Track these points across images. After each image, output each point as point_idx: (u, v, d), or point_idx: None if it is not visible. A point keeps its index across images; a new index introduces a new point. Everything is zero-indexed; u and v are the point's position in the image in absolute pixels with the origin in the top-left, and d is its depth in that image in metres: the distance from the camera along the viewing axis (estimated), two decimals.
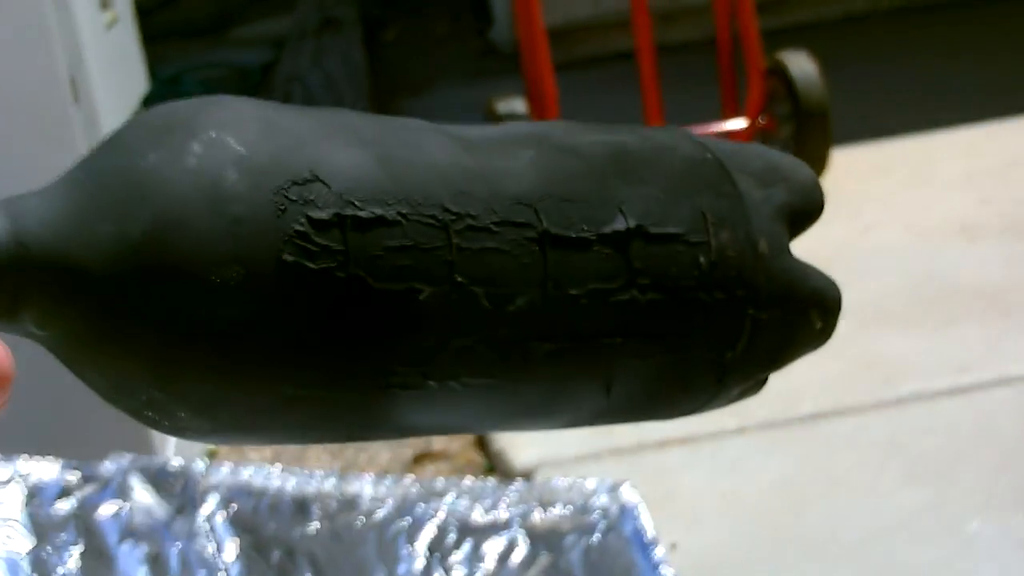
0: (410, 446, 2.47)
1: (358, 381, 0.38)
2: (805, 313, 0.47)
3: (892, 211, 3.24)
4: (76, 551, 0.94)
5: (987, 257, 2.90)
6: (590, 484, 1.30)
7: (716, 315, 0.44)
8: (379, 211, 0.37)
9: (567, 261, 0.40)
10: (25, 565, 0.89)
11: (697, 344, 0.44)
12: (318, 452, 2.59)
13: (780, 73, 3.41)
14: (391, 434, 0.43)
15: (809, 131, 3.37)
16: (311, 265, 0.36)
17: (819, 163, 3.37)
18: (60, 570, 0.93)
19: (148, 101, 2.33)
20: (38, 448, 0.96)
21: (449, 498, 1.18)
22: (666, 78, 3.40)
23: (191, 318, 0.35)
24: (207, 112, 0.37)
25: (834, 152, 3.41)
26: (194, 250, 0.35)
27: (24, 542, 0.90)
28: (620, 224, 0.41)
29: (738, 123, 3.40)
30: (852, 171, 3.46)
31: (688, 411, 0.48)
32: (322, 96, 3.91)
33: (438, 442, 2.44)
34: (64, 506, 0.95)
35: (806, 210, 0.48)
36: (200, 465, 1.03)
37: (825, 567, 1.89)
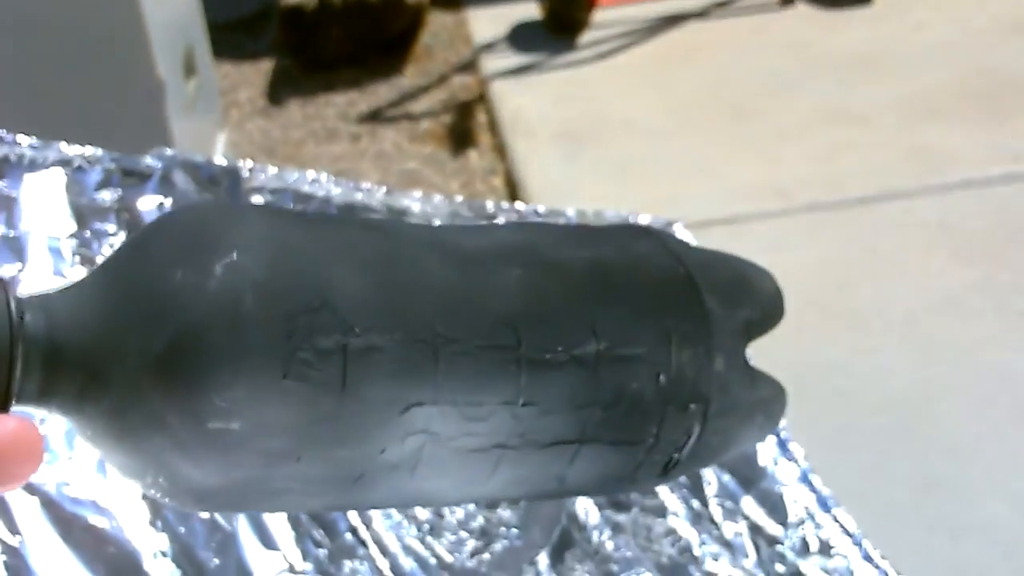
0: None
1: (336, 477, 0.42)
2: (751, 419, 0.50)
3: (944, 11, 3.13)
4: (117, 241, 0.90)
5: None
6: (644, 219, 1.26)
7: (669, 424, 0.46)
8: (377, 339, 0.39)
9: (540, 380, 0.43)
10: (67, 247, 0.86)
11: (648, 448, 0.47)
12: (368, 169, 2.57)
13: None
14: (356, 508, 0.51)
15: None
16: (310, 386, 0.38)
17: None
18: (100, 259, 0.89)
19: None
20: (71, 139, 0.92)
21: (499, 221, 1.14)
22: None
23: (198, 427, 0.38)
24: (230, 231, 0.39)
25: None
26: (209, 369, 0.37)
27: (66, 225, 0.87)
28: (591, 346, 0.44)
29: None
30: None
31: (630, 492, 0.53)
32: None
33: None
34: (106, 196, 0.91)
35: (765, 322, 0.50)
36: (246, 165, 0.99)
37: (872, 339, 1.86)
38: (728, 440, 0.50)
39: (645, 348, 0.45)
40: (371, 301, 0.40)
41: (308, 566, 0.74)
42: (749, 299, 0.50)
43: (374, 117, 3.06)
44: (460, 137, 2.88)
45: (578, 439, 0.45)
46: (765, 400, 0.51)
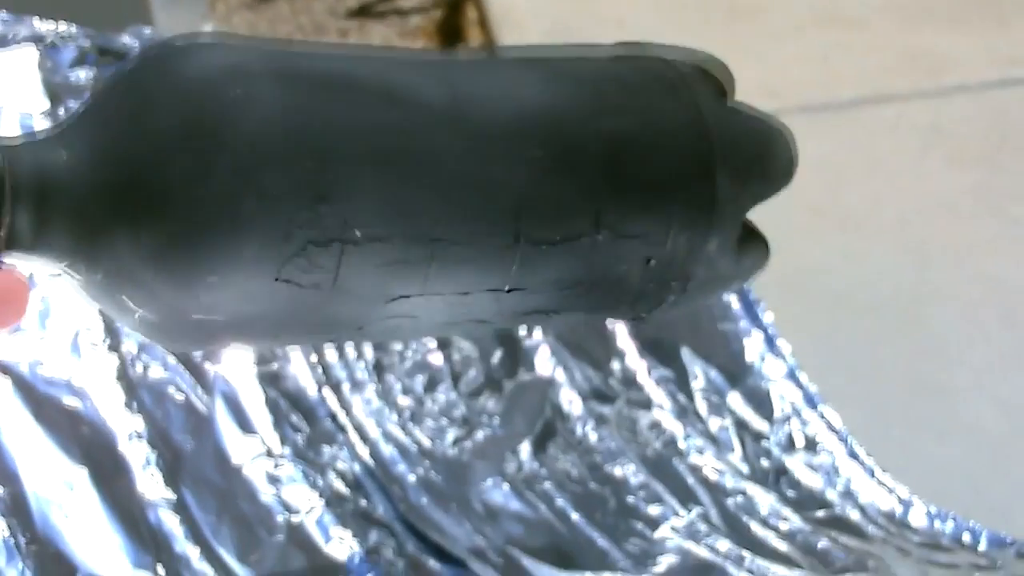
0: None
1: (310, 342, 0.46)
2: (728, 285, 0.51)
3: None
4: None
5: None
6: None
7: (645, 296, 0.47)
8: (377, 233, 0.39)
9: (531, 267, 0.42)
10: (39, 125, 0.83)
11: (621, 312, 0.48)
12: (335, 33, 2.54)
13: None
14: None
15: None
16: (302, 282, 0.38)
17: None
18: None
19: None
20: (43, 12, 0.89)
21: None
22: None
23: (186, 314, 0.38)
24: (236, 117, 0.37)
25: None
26: (200, 270, 0.37)
27: (39, 103, 0.84)
28: (591, 234, 0.43)
29: None
30: None
31: None
32: None
33: None
34: (80, 74, 0.88)
35: (770, 189, 0.49)
36: None
37: (863, 240, 1.85)
38: (700, 301, 0.50)
39: (643, 232, 0.45)
40: (374, 199, 0.39)
41: (286, 451, 0.73)
42: (762, 174, 0.48)
43: (363, 12, 3.00)
44: (450, 33, 2.83)
45: (555, 310, 0.45)
46: (745, 270, 0.50)
